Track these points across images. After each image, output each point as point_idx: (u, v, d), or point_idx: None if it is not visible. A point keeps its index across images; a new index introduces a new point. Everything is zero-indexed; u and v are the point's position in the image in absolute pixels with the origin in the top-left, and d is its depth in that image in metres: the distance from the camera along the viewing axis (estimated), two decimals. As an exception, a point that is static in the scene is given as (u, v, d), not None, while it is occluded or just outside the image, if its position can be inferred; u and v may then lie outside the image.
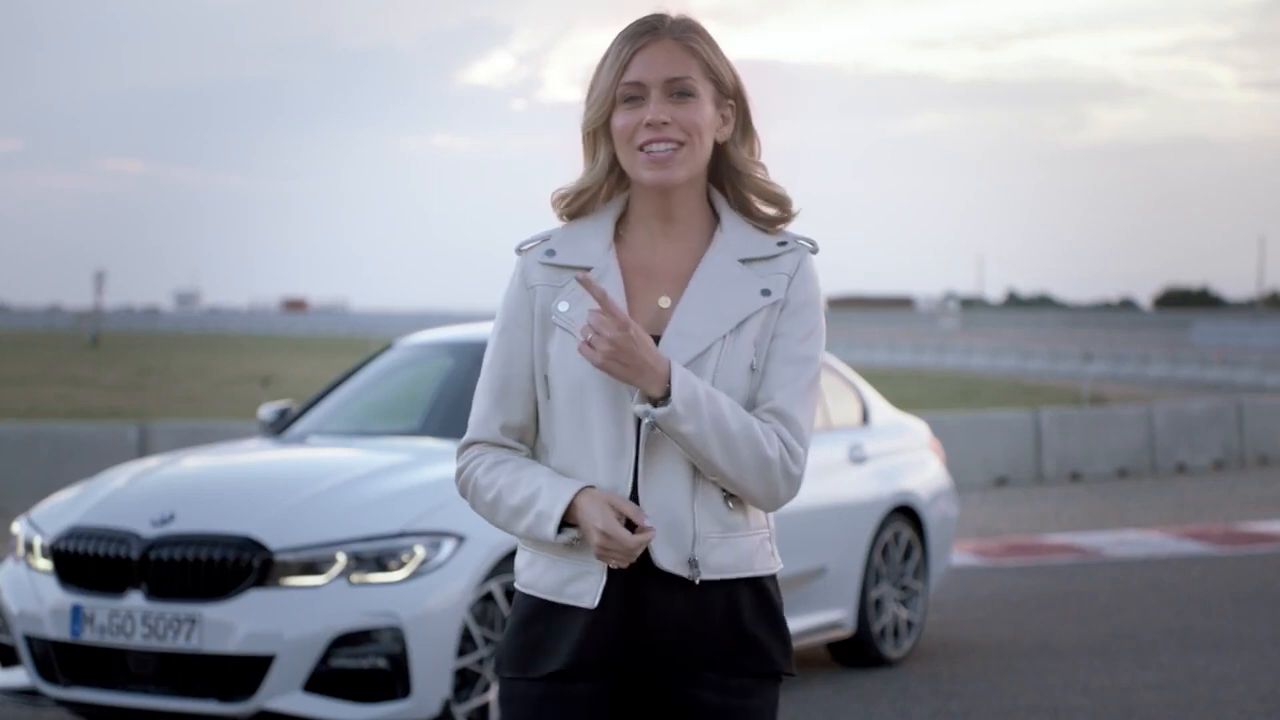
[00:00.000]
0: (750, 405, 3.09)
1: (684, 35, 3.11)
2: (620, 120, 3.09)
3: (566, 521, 3.04)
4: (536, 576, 3.13)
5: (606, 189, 3.18)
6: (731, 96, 3.15)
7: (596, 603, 3.06)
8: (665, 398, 3.00)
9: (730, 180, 3.19)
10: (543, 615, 3.12)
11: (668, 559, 3.06)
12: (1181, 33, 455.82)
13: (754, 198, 3.18)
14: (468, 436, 3.18)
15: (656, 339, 3.07)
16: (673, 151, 3.08)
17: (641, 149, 3.08)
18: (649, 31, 3.10)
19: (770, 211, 3.19)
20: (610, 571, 3.06)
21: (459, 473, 3.19)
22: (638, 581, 3.07)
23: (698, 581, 3.06)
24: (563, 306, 3.09)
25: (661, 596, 3.08)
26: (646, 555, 3.06)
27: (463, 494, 3.20)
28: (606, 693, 3.11)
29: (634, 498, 3.06)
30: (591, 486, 3.04)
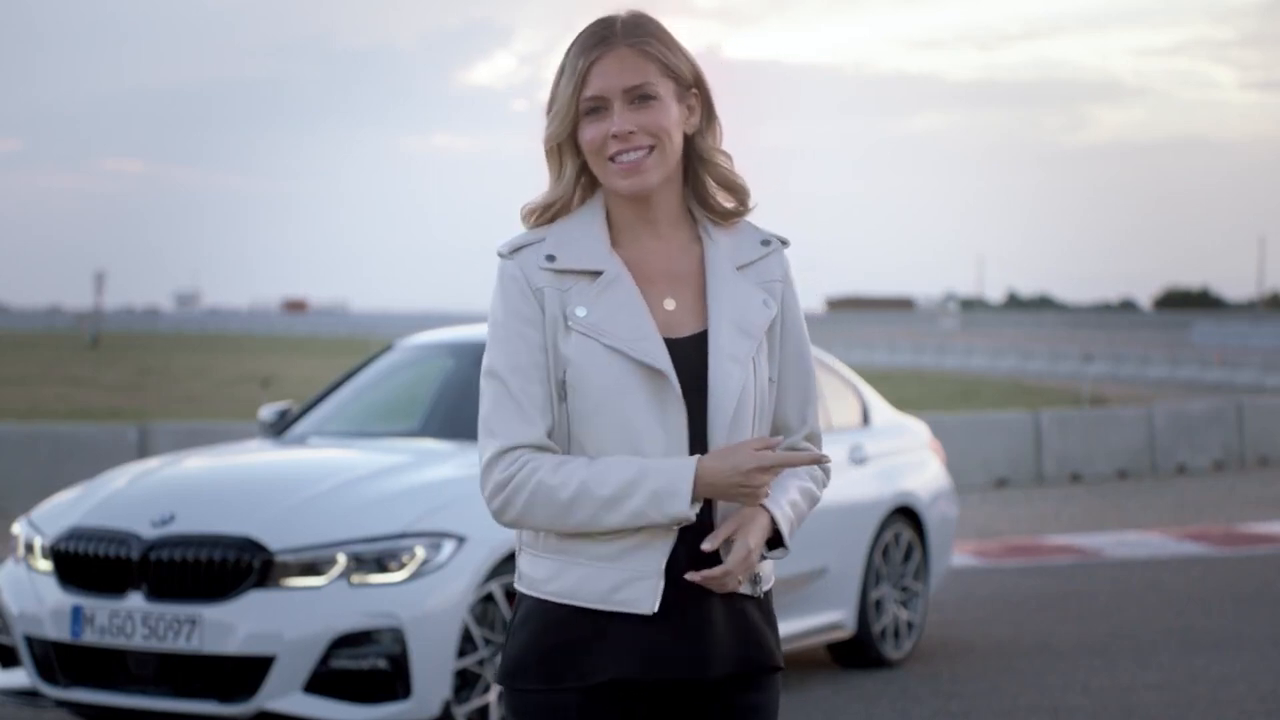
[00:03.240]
0: (772, 415, 3.18)
1: (637, 40, 3.09)
2: (587, 134, 3.09)
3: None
4: (573, 586, 3.05)
5: (579, 197, 3.17)
6: (693, 86, 3.15)
7: (656, 607, 3.02)
8: (776, 538, 3.12)
9: (693, 169, 3.18)
10: (573, 623, 3.05)
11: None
12: (1182, 33, 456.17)
13: (714, 186, 3.18)
14: (509, 441, 3.04)
15: (672, 340, 3.07)
16: (643, 157, 3.07)
17: (612, 159, 3.08)
18: (601, 42, 3.09)
19: (728, 204, 3.19)
20: (666, 575, 3.04)
21: (504, 482, 3.03)
22: (683, 586, 3.05)
23: (760, 595, 3.14)
24: (580, 312, 3.05)
25: (706, 601, 3.07)
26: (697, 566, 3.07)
27: (507, 504, 3.04)
28: (636, 696, 3.07)
29: None
30: (701, 456, 3.03)
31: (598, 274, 3.09)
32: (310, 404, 8.83)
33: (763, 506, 3.08)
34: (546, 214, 3.16)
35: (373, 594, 6.76)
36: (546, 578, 3.08)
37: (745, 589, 3.10)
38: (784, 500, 3.11)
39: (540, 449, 3.06)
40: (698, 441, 3.06)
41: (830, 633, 8.76)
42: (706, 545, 3.02)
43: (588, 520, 3.01)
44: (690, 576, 3.02)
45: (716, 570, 3.02)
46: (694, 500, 3.00)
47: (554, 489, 3.02)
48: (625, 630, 3.04)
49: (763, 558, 3.11)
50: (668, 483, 2.99)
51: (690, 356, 3.07)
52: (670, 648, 3.05)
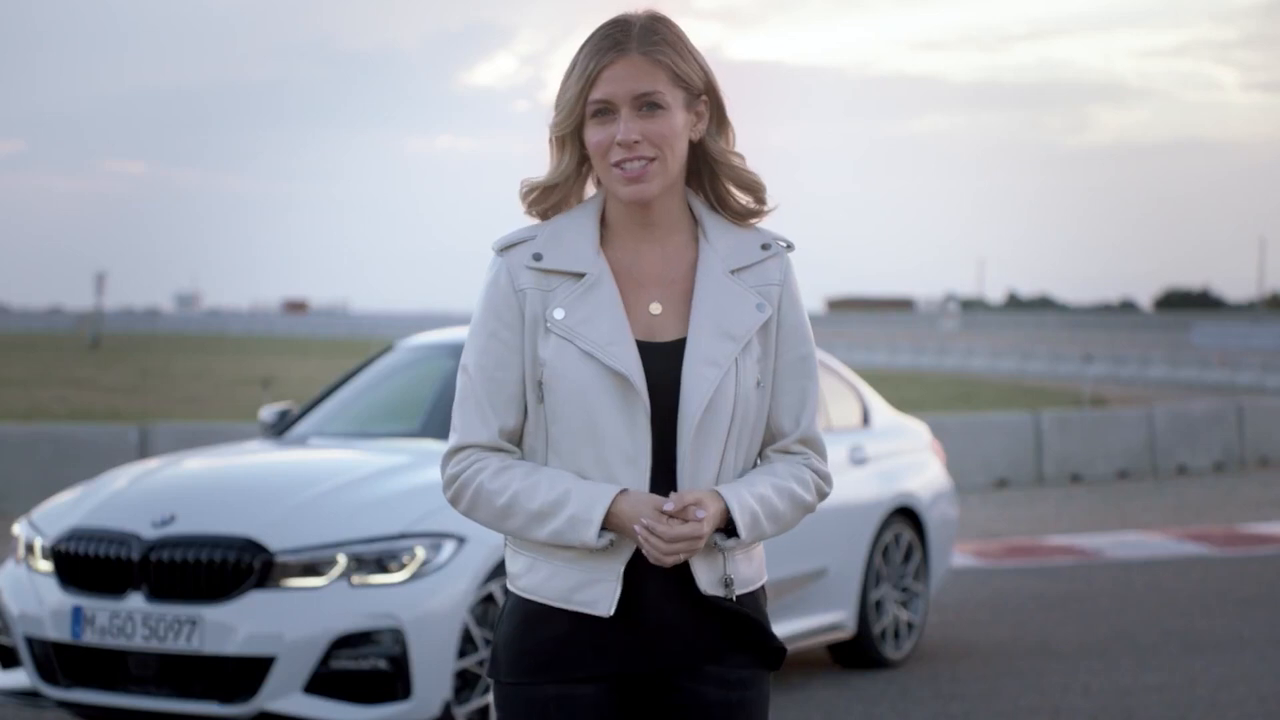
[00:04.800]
0: (763, 422, 3.16)
1: (650, 49, 3.09)
2: (593, 136, 3.10)
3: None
4: (539, 583, 3.10)
5: (579, 187, 3.18)
6: (703, 92, 3.15)
7: (613, 611, 3.05)
8: (730, 525, 3.06)
9: (707, 172, 3.19)
10: (547, 620, 3.10)
11: (705, 580, 3.09)
12: (1184, 34, 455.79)
13: (731, 187, 3.19)
14: (459, 441, 3.12)
15: (652, 345, 3.09)
16: (646, 166, 3.08)
17: (615, 165, 3.09)
18: (614, 46, 3.09)
19: (745, 200, 3.20)
20: (624, 578, 3.06)
21: (453, 478, 3.12)
22: (650, 587, 3.07)
23: (734, 599, 3.11)
24: (558, 314, 3.08)
25: (675, 601, 3.09)
26: (670, 569, 3.07)
27: (456, 499, 3.13)
28: (612, 694, 3.11)
29: None
30: (626, 489, 3.03)
31: (581, 275, 3.11)
32: (311, 405, 8.83)
33: (718, 493, 3.05)
34: (546, 197, 3.17)
35: (373, 595, 6.76)
36: (519, 573, 3.14)
37: (717, 591, 3.10)
38: (746, 492, 3.08)
39: (492, 449, 3.11)
40: (668, 445, 3.07)
41: (830, 633, 8.76)
42: (667, 507, 3.00)
43: (520, 528, 3.08)
44: (639, 532, 2.98)
45: (664, 529, 2.98)
46: (605, 530, 3.02)
47: (492, 494, 3.09)
48: (596, 630, 3.07)
49: (717, 546, 3.08)
50: (583, 509, 3.03)
51: (669, 359, 3.09)
52: (639, 647, 3.08)
